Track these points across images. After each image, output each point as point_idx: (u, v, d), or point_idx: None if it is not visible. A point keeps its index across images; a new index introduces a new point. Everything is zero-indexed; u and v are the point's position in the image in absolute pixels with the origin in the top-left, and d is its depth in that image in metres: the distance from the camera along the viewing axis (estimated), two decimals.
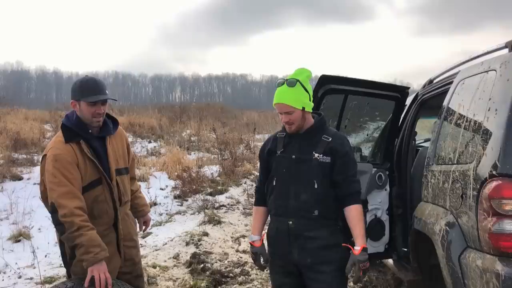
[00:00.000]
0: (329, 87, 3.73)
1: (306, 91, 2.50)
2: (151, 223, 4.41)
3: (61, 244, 2.72)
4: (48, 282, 4.51)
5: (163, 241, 5.82)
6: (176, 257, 5.20)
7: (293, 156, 2.53)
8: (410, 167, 3.89)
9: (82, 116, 2.69)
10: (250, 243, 2.74)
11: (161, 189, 8.73)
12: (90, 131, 2.72)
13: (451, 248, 2.59)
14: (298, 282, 2.57)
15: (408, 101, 4.06)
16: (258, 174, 2.90)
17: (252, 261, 2.80)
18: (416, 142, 4.20)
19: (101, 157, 2.73)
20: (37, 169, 9.04)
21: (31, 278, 4.69)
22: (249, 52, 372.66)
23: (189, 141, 14.04)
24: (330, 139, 2.51)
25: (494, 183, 2.29)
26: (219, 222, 6.52)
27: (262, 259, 2.69)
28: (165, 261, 5.10)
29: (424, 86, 3.96)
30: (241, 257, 5.31)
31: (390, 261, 4.08)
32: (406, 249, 3.77)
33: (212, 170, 9.94)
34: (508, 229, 2.25)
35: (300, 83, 2.49)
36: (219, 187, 8.71)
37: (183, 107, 21.59)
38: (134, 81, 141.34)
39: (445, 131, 3.07)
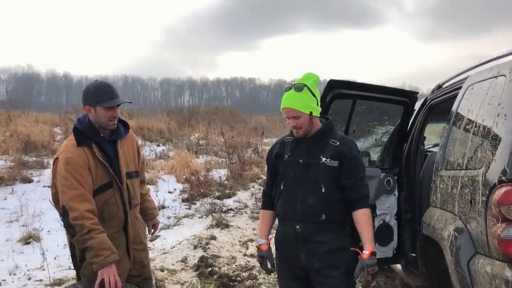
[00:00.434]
0: (338, 92, 3.73)
1: (314, 95, 2.51)
2: (159, 226, 4.43)
3: (72, 246, 2.74)
4: (57, 284, 4.54)
5: (171, 245, 5.84)
6: (184, 260, 5.21)
7: (301, 160, 2.54)
8: (419, 172, 3.88)
9: (98, 120, 2.72)
10: (257, 247, 2.75)
11: (169, 192, 8.77)
12: (101, 134, 2.74)
13: (460, 254, 2.57)
14: (305, 286, 2.58)
15: (417, 106, 4.05)
16: (265, 178, 2.91)
17: (259, 264, 2.81)
18: (425, 147, 4.18)
19: (112, 160, 2.75)
20: (47, 172, 9.13)
21: (41, 280, 4.72)
22: (258, 56, 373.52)
23: (198, 145, 14.09)
24: (337, 143, 2.52)
25: (503, 189, 2.28)
26: (227, 226, 6.53)
27: (268, 263, 2.69)
28: (173, 264, 5.12)
29: (433, 91, 3.95)
30: (248, 261, 5.31)
31: (398, 266, 4.06)
32: (414, 255, 3.75)
33: (220, 174, 9.96)
34: None
35: (308, 87, 2.50)
36: (227, 191, 8.73)
37: (191, 110, 21.63)
38: (143, 85, 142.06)
39: (454, 136, 3.06)
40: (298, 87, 2.49)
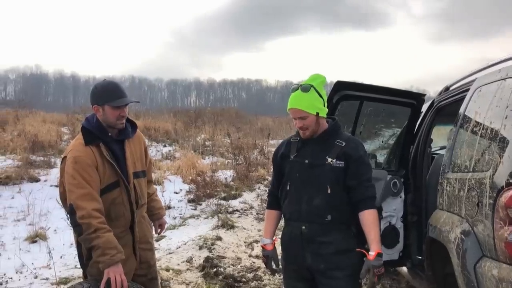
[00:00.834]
0: (345, 93, 3.73)
1: (320, 96, 2.51)
2: (166, 226, 4.45)
3: (78, 245, 2.75)
4: (63, 283, 4.57)
5: (176, 245, 5.86)
6: (189, 260, 5.22)
7: (306, 161, 2.53)
8: (426, 174, 3.87)
9: (106, 120, 2.73)
10: (262, 246, 2.74)
11: (175, 192, 8.79)
12: (109, 134, 2.76)
13: (467, 257, 2.56)
14: (311, 287, 2.57)
15: (424, 108, 4.04)
16: (271, 178, 2.91)
17: (264, 264, 2.80)
18: (432, 150, 4.16)
19: (120, 160, 2.76)
20: (54, 171, 9.19)
21: (47, 279, 4.75)
22: (264, 58, 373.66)
23: (204, 146, 14.10)
24: (343, 144, 2.51)
25: (511, 192, 2.26)
26: (232, 227, 6.54)
27: (273, 263, 2.69)
28: (178, 264, 5.13)
29: (440, 93, 3.94)
30: (254, 262, 5.31)
31: (404, 269, 4.05)
32: (420, 257, 3.74)
33: (226, 175, 9.98)
34: None
35: (314, 88, 2.50)
36: (232, 192, 8.74)
37: (198, 111, 21.68)
38: (150, 86, 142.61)
39: (461, 139, 3.05)
40: (305, 87, 2.49)
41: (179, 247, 5.74)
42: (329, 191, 2.46)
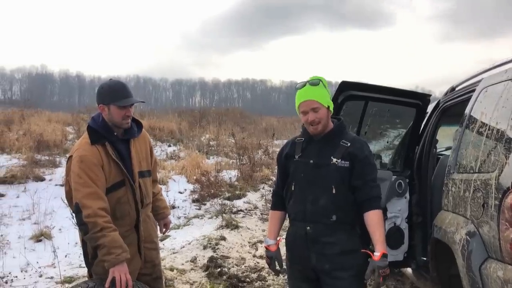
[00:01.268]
0: (349, 93, 3.72)
1: (328, 92, 2.52)
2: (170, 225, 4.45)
3: (84, 244, 2.76)
4: (68, 282, 4.58)
5: (180, 244, 5.86)
6: (194, 260, 5.23)
7: (311, 161, 2.52)
8: (431, 175, 3.85)
9: (111, 119, 2.73)
10: (265, 247, 2.73)
11: (180, 192, 8.81)
12: (115, 133, 2.76)
13: (472, 258, 2.55)
14: (315, 287, 2.56)
15: (430, 108, 4.03)
16: (275, 179, 2.90)
17: (267, 265, 2.79)
18: (437, 150, 4.15)
19: (125, 159, 2.77)
20: (59, 171, 9.23)
21: (52, 277, 4.77)
22: (269, 58, 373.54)
23: (208, 146, 14.14)
24: (349, 144, 2.50)
25: None
26: (236, 227, 6.54)
27: (277, 264, 2.68)
28: (182, 264, 5.14)
29: (446, 94, 3.93)
30: (258, 262, 5.31)
31: (409, 270, 4.03)
32: (425, 258, 3.72)
33: (230, 175, 9.99)
34: None
35: (323, 83, 2.50)
36: (237, 192, 8.75)
37: (202, 111, 21.77)
38: (155, 85, 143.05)
39: (467, 139, 3.03)
40: (314, 82, 2.49)
41: (183, 247, 5.75)
42: (334, 191, 2.45)
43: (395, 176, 3.77)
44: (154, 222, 3.08)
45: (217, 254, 5.43)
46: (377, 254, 2.36)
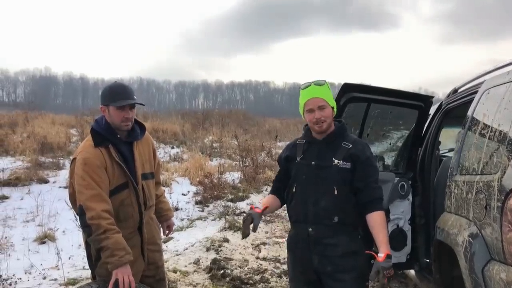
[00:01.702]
0: (352, 95, 3.72)
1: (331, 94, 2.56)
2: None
3: (87, 246, 2.77)
4: (72, 284, 4.60)
5: (184, 246, 5.87)
6: (197, 262, 5.24)
7: (313, 163, 2.53)
8: (433, 177, 3.85)
9: (112, 121, 2.75)
10: (251, 206, 2.58)
11: (183, 194, 8.82)
12: (118, 136, 2.78)
13: (475, 260, 2.54)
14: None
15: (432, 110, 4.03)
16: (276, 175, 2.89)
17: (243, 226, 2.48)
18: (440, 152, 4.15)
19: (128, 161, 2.78)
20: (62, 173, 9.26)
21: (55, 279, 4.78)
22: (272, 60, 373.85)
23: (211, 148, 14.15)
24: (350, 146, 2.51)
25: None
26: (239, 229, 6.53)
27: (251, 226, 2.47)
28: (185, 266, 5.14)
29: (448, 96, 3.92)
30: (261, 264, 5.31)
31: (412, 272, 4.03)
32: (428, 260, 3.72)
33: (233, 177, 9.99)
34: None
35: (327, 84, 2.53)
36: (240, 194, 8.75)
37: (205, 113, 21.78)
38: (158, 88, 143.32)
39: (469, 141, 3.03)
40: (319, 82, 2.53)
41: (187, 249, 5.76)
42: (335, 193, 2.46)
43: (398, 178, 3.77)
44: (157, 224, 3.09)
45: (220, 256, 5.44)
46: (381, 255, 2.36)
